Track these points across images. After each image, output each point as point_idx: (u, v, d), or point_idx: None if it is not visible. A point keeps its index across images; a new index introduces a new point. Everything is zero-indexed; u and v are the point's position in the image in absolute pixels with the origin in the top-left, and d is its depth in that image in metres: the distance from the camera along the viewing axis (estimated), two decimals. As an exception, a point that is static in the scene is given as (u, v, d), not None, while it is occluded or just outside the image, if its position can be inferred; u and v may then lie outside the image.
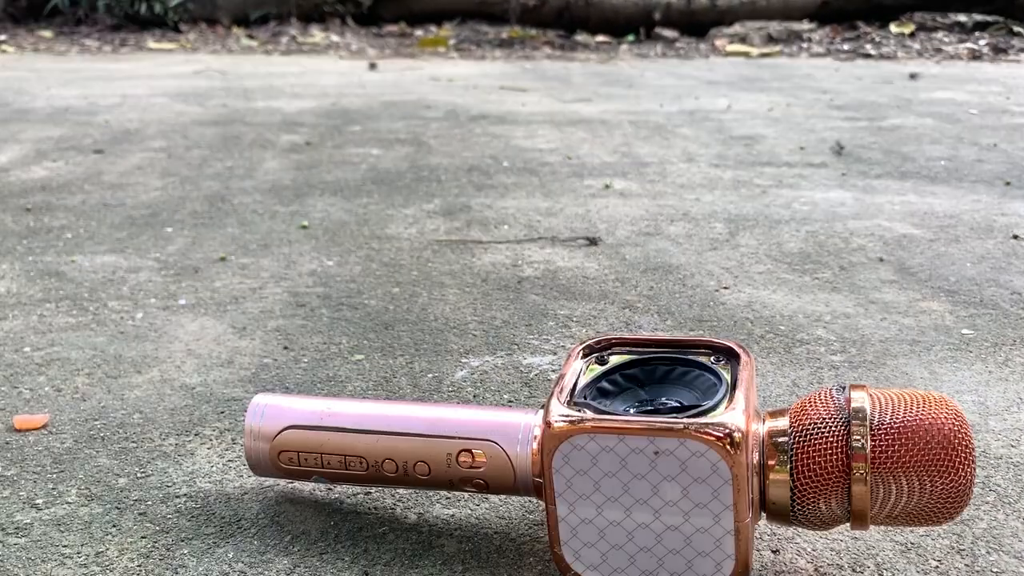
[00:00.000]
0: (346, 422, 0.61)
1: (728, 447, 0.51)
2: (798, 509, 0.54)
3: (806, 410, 0.55)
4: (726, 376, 0.57)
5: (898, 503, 0.53)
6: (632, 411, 0.56)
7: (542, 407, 0.56)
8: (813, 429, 0.53)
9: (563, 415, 0.53)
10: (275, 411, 0.63)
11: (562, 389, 0.56)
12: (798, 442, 0.53)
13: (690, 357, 0.60)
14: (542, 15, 4.84)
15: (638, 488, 0.53)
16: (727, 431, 0.51)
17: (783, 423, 0.55)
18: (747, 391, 0.55)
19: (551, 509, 0.55)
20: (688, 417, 0.52)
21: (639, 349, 0.62)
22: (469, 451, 0.58)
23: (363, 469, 0.61)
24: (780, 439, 0.54)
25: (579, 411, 0.54)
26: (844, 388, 0.55)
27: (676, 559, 0.54)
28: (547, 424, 0.53)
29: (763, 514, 0.55)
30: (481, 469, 0.58)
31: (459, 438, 0.59)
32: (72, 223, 1.37)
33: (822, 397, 0.55)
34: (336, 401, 0.63)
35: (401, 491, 0.66)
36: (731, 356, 0.59)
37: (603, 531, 0.54)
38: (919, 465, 0.52)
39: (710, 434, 0.51)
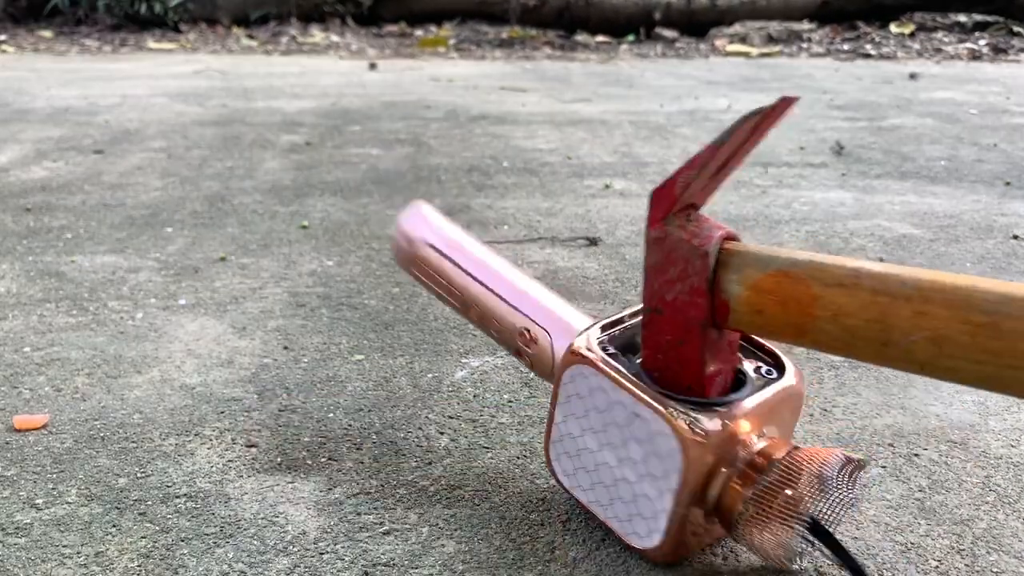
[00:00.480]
0: (465, 262, 0.68)
1: (692, 444, 0.53)
2: (737, 537, 0.56)
3: (790, 474, 0.54)
4: (758, 386, 0.58)
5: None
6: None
7: (594, 323, 0.62)
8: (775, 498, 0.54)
9: (586, 344, 0.59)
10: (426, 225, 0.70)
11: (610, 319, 0.61)
12: (758, 498, 0.54)
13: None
14: (542, 15, 4.84)
15: (613, 434, 0.57)
16: (697, 431, 0.53)
17: (774, 454, 0.55)
18: (760, 409, 0.56)
19: (552, 411, 0.61)
20: (678, 402, 0.55)
21: None
22: (529, 330, 0.66)
23: (458, 304, 0.69)
24: (756, 471, 0.54)
25: (603, 348, 0.58)
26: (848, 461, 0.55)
27: (623, 507, 0.58)
28: (571, 344, 0.59)
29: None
30: (532, 349, 0.65)
31: (527, 316, 0.66)
32: (72, 223, 1.37)
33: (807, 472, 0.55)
34: (475, 244, 0.70)
35: (401, 491, 0.66)
36: (780, 370, 0.60)
37: (579, 451, 0.60)
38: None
39: (680, 425, 0.54)
